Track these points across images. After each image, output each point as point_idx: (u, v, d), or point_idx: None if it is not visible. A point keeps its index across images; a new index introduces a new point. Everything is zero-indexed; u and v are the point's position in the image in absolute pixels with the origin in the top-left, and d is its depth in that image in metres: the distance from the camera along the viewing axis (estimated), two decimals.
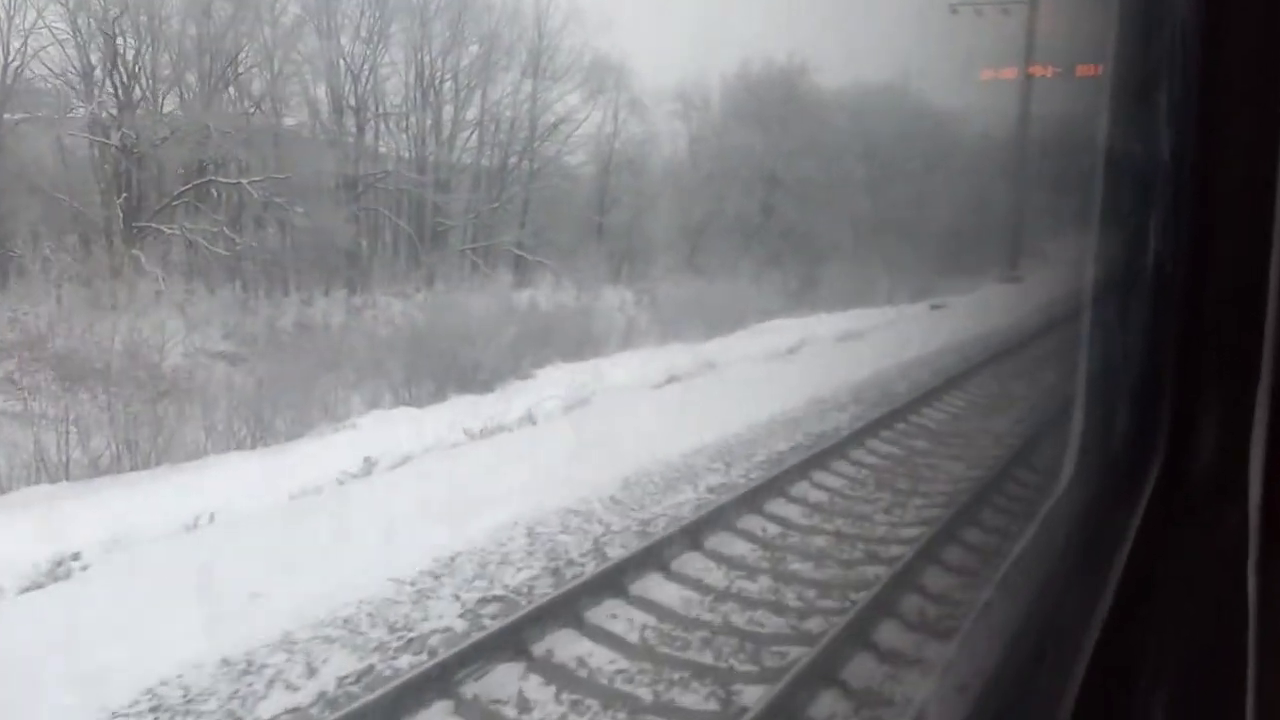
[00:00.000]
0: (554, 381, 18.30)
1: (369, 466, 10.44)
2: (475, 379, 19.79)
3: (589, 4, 26.94)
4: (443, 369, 19.94)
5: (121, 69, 22.58)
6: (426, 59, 26.78)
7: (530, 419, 12.21)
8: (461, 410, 14.94)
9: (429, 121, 27.12)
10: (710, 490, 8.68)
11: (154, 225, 22.37)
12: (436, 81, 27.08)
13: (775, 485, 8.73)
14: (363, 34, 25.86)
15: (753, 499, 8.36)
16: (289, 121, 25.13)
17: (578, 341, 22.71)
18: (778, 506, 8.36)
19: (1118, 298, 3.41)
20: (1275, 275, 1.86)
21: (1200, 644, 1.90)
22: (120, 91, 22.17)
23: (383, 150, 27.21)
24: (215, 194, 23.32)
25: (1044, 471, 10.29)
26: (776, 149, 29.80)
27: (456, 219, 27.49)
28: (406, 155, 27.20)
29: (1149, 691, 1.82)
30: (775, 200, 30.27)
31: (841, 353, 16.02)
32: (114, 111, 22.12)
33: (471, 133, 28.32)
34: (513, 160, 28.70)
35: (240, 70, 23.87)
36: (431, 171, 27.26)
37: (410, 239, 27.00)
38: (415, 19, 26.49)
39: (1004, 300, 21.98)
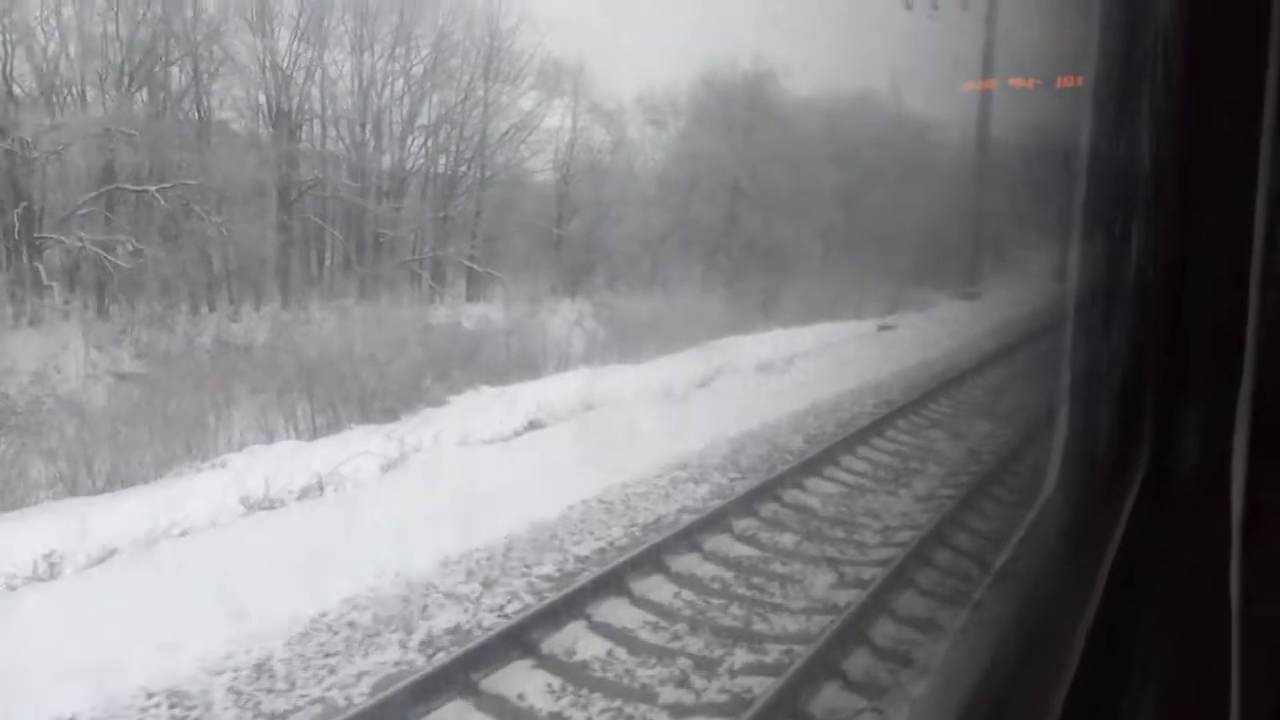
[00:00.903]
0: (474, 408, 15.35)
1: (50, 568, 7.36)
2: (375, 407, 16.76)
3: (545, 5, 23.80)
4: (346, 394, 16.92)
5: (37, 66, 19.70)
6: (369, 59, 23.66)
7: (320, 487, 9.06)
8: (349, 444, 11.96)
9: (370, 125, 24.02)
10: (427, 643, 5.48)
11: (55, 237, 19.46)
12: (379, 83, 23.96)
13: (530, 632, 5.55)
14: (300, 30, 22.74)
15: (481, 661, 5.20)
16: (217, 124, 22.14)
17: (514, 361, 19.70)
18: (510, 678, 5.17)
19: (1100, 304, 3.20)
20: (1256, 279, 1.78)
21: (1186, 644, 1.82)
22: (12, 90, 19.20)
23: (331, 151, 24.15)
24: (130, 201, 20.31)
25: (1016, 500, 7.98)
26: (744, 157, 26.57)
27: (401, 229, 24.38)
28: (349, 160, 24.12)
29: (1137, 691, 1.72)
30: (741, 210, 27.07)
31: (754, 388, 12.74)
32: (5, 113, 19.16)
33: (422, 138, 25.24)
34: (463, 167, 25.56)
35: (157, 67, 20.84)
36: (374, 178, 24.18)
37: (348, 249, 23.97)
38: (355, 16, 23.32)
39: (957, 321, 18.62)
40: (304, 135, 23.43)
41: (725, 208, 26.85)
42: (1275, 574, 1.67)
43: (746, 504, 7.85)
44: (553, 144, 26.09)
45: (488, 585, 6.23)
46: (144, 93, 20.93)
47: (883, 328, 18.42)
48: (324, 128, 23.88)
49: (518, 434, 11.07)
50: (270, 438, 15.02)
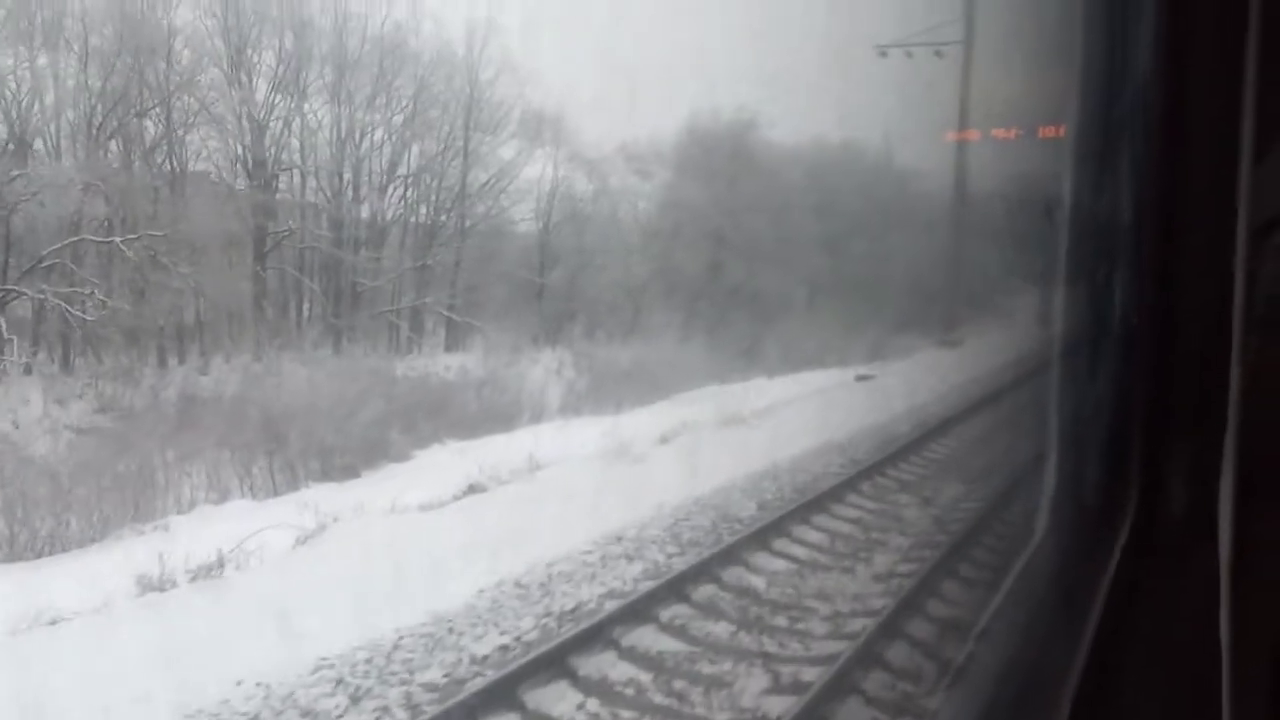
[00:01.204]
0: (435, 465, 14.51)
1: None
2: (336, 463, 15.85)
3: (524, 55, 23.22)
4: (307, 449, 16.01)
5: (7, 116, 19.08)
6: (348, 110, 23.01)
7: (220, 565, 8.09)
8: (303, 504, 11.06)
9: (349, 175, 23.33)
10: None
11: (17, 289, 18.66)
12: (358, 133, 23.30)
13: None
14: (278, 81, 22.10)
15: None
16: (191, 175, 21.46)
17: (486, 414, 18.79)
18: None
19: (1085, 352, 3.21)
20: (1238, 322, 1.79)
21: (1176, 687, 1.84)
22: None
23: (310, 201, 23.43)
24: (98, 253, 19.54)
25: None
26: (727, 206, 25.87)
27: (380, 279, 23.59)
28: (328, 211, 23.40)
29: None
30: (725, 258, 26.33)
31: (716, 444, 11.77)
32: None
33: (402, 188, 24.57)
34: (443, 217, 24.83)
35: (130, 117, 20.17)
36: (352, 228, 23.44)
37: (325, 300, 23.16)
38: (335, 67, 22.68)
39: (937, 370, 17.71)
40: (281, 185, 22.75)
41: (708, 256, 26.12)
42: (1264, 617, 1.58)
43: (679, 586, 6.88)
44: (533, 193, 25.43)
45: (356, 699, 5.26)
46: (117, 142, 20.29)
47: (860, 377, 17.51)
48: (302, 178, 23.21)
49: (456, 498, 10.15)
50: (223, 497, 14.14)
